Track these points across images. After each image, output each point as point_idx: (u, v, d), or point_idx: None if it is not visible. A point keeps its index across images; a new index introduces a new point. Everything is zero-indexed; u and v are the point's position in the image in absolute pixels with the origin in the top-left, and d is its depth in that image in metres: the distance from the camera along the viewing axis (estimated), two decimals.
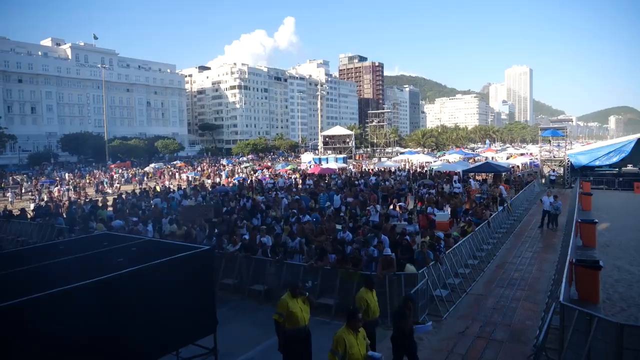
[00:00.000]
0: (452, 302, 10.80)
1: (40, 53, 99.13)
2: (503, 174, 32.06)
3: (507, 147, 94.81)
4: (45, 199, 30.01)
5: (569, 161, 36.30)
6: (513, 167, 41.32)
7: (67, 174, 53.12)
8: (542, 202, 20.35)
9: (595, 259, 12.23)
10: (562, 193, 30.05)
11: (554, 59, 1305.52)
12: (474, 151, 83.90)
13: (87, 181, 47.25)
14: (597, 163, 35.01)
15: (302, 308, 7.11)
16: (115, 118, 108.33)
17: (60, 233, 15.83)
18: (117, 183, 44.29)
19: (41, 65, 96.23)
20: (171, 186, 36.17)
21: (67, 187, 39.49)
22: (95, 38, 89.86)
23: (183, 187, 33.29)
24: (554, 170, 37.78)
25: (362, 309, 7.32)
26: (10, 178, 50.18)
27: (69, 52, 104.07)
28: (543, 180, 37.48)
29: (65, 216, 20.10)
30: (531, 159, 50.58)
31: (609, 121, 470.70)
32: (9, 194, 33.82)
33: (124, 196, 25.30)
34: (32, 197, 34.38)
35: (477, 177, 32.46)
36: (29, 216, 21.51)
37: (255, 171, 52.58)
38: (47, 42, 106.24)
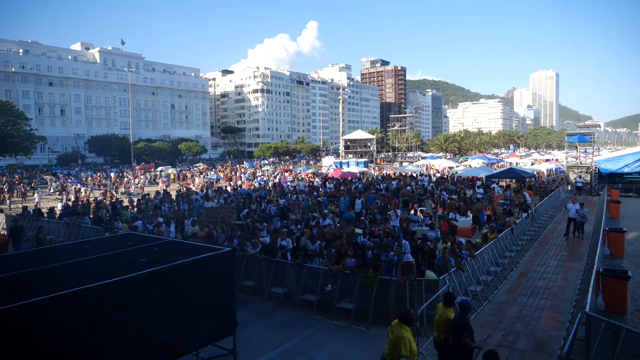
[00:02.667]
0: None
1: (70, 57, 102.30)
2: (527, 180, 31.45)
3: (532, 153, 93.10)
4: (73, 199, 30.78)
5: (596, 167, 35.38)
6: (538, 173, 40.49)
7: (112, 174, 54.54)
8: (568, 209, 19.87)
9: (624, 269, 11.87)
10: (588, 200, 29.31)
11: (581, 62, 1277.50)
12: (497, 156, 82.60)
13: (114, 182, 48.36)
14: (626, 170, 34.00)
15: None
16: (141, 120, 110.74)
17: (86, 232, 16.25)
18: (141, 184, 45.08)
19: (71, 68, 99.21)
20: (193, 187, 36.67)
21: (104, 187, 40.62)
22: (123, 43, 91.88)
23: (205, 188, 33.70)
24: (580, 177, 36.87)
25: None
26: (43, 178, 51.71)
27: (97, 56, 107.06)
28: (569, 187, 36.63)
29: (91, 216, 20.62)
30: (557, 165, 49.52)
31: (638, 127, 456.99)
32: (35, 195, 34.80)
33: (147, 197, 25.76)
34: (59, 197, 35.28)
35: (500, 183, 31.92)
36: (57, 215, 22.10)
37: (274, 172, 52.96)
38: (76, 46, 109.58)
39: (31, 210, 22.65)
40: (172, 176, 54.22)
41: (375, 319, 9.96)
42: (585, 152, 43.41)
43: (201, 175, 52.04)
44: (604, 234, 15.45)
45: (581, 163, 41.06)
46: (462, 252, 11.75)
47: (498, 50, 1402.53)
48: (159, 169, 62.60)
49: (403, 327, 6.14)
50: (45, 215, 21.81)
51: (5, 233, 21.57)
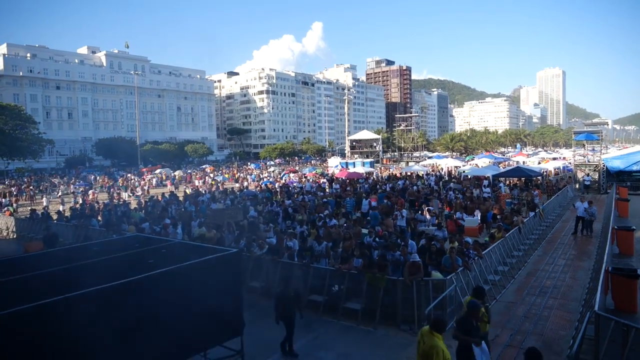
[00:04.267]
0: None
1: (76, 61, 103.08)
2: (534, 178, 31.27)
3: (539, 152, 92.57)
4: (80, 202, 31.02)
5: (604, 166, 35.11)
6: (545, 171, 40.25)
7: (128, 175, 54.79)
8: (576, 207, 19.75)
9: (633, 268, 11.78)
10: (597, 199, 29.09)
11: (588, 60, 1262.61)
12: (504, 155, 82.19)
13: (121, 184, 48.73)
14: (634, 168, 33.73)
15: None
16: (147, 123, 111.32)
17: (94, 234, 16.35)
18: (146, 186, 45.29)
19: (77, 72, 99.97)
20: (201, 189, 36.82)
21: (114, 189, 40.89)
22: (127, 47, 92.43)
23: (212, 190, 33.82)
24: (588, 175, 36.60)
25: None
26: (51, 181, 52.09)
27: (103, 59, 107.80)
28: (577, 186, 36.37)
29: (99, 218, 20.76)
30: (564, 164, 49.23)
31: None
32: (43, 200, 35.04)
33: (154, 199, 25.89)
34: (59, 200, 35.28)
35: (507, 182, 31.76)
36: (65, 215, 22.25)
37: (280, 173, 53.03)
38: (83, 50, 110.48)
39: (40, 214, 22.86)
40: (178, 177, 54.45)
41: (382, 319, 9.94)
42: (593, 150, 43.10)
43: (201, 179, 51.13)
44: (612, 233, 15.33)
45: (589, 161, 40.77)
46: (470, 251, 11.71)
47: (504, 48, 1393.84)
48: (157, 171, 61.96)
49: (435, 336, 5.99)
50: (55, 218, 22.01)
51: (10, 236, 21.82)
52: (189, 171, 64.04)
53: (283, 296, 8.94)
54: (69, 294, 5.41)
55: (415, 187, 28.03)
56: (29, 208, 26.23)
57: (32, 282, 6.53)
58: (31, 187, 43.78)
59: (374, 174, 47.66)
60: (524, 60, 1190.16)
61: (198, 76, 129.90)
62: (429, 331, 6.05)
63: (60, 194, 40.96)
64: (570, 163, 45.87)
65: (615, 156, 37.26)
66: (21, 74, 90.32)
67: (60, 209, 27.15)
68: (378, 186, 29.96)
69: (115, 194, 35.91)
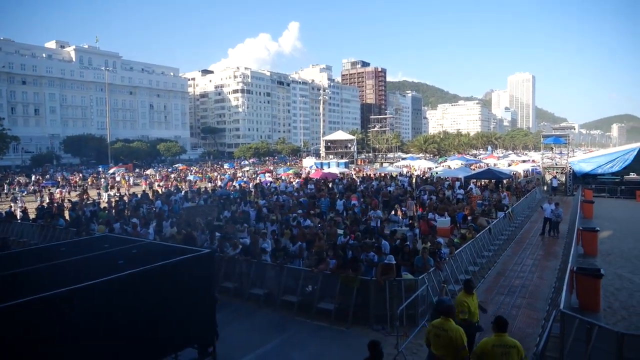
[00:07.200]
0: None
1: (44, 55, 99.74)
2: (505, 180, 31.99)
3: (509, 154, 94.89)
4: (47, 201, 30.02)
5: (571, 169, 36.23)
6: (515, 173, 41.22)
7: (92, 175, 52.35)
8: (543, 209, 20.30)
9: (597, 267, 12.18)
10: (563, 200, 29.96)
11: (557, 66, 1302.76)
12: (475, 157, 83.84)
13: (90, 183, 47.39)
14: (599, 171, 34.89)
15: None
16: (118, 120, 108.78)
17: (61, 234, 15.84)
18: (115, 185, 44.02)
19: (45, 67, 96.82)
20: (171, 188, 36.07)
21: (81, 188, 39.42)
22: (97, 40, 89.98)
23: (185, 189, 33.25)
24: (555, 177, 37.70)
25: (464, 312, 7.43)
26: (16, 180, 50.20)
27: (73, 54, 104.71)
28: (545, 188, 37.41)
29: (67, 217, 20.13)
30: (533, 166, 50.52)
31: (611, 129, 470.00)
32: (17, 204, 33.49)
33: (122, 198, 25.31)
34: (6, 197, 33.39)
35: (477, 184, 32.38)
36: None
37: (255, 174, 52.62)
38: (51, 44, 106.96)
39: (3, 213, 22.01)
40: (152, 177, 53.21)
41: (355, 319, 9.99)
42: (561, 153, 44.33)
43: (161, 180, 47.32)
44: (578, 234, 15.82)
45: (556, 164, 41.91)
46: (442, 251, 11.89)
47: (477, 52, 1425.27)
48: (111, 170, 59.41)
49: (451, 321, 6.24)
50: (19, 217, 21.23)
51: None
52: (169, 169, 62.55)
53: None
54: (30, 296, 5.23)
55: (389, 189, 28.26)
56: None
57: None
58: None
59: (349, 174, 47.87)
60: (496, 65, 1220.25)
61: (171, 73, 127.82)
62: (444, 320, 6.25)
63: (12, 192, 38.64)
64: (538, 166, 47.04)
65: (581, 159, 38.44)
66: None
67: (12, 207, 25.73)
68: (354, 186, 30.08)
69: (85, 193, 34.76)
